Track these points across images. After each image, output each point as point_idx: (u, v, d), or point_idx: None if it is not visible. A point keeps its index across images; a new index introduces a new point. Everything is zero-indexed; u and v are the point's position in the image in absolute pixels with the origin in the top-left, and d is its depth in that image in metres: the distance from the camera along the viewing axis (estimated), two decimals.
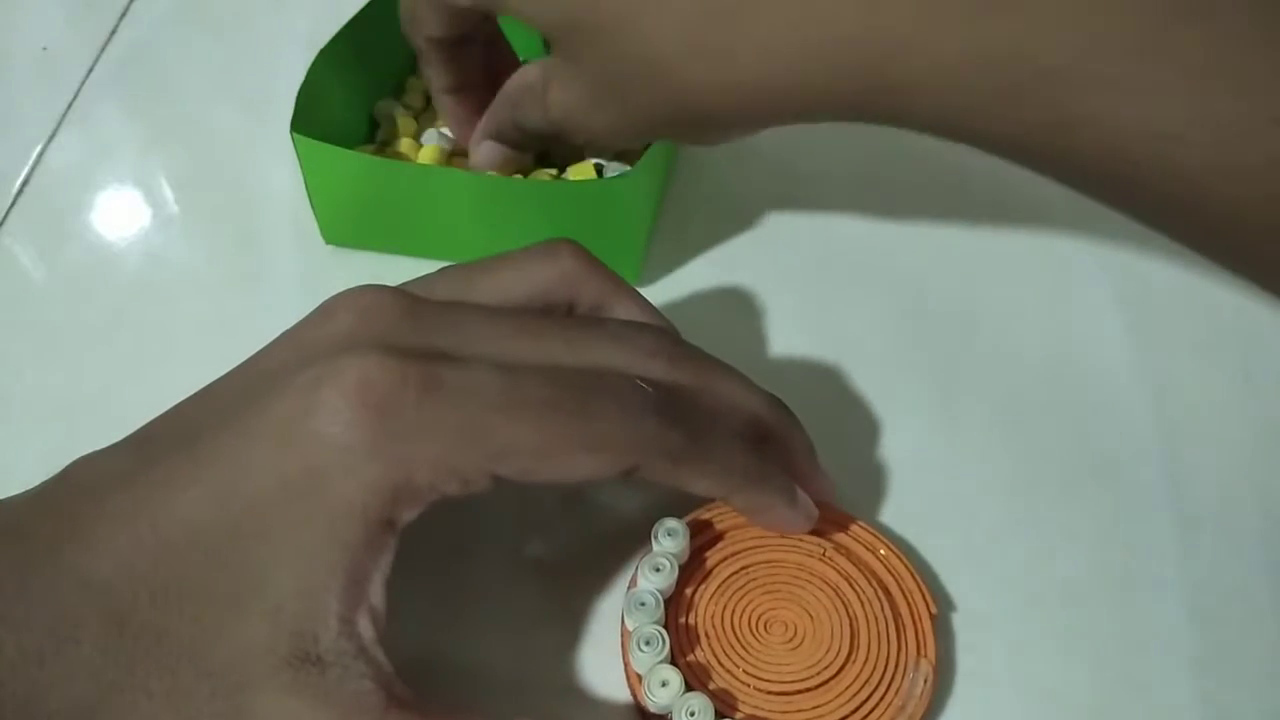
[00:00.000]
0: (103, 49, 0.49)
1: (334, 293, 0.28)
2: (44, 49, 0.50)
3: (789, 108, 0.30)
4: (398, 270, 0.41)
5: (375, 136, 0.44)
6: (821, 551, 0.31)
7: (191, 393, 0.29)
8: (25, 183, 0.44)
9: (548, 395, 0.26)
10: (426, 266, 0.40)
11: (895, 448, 0.36)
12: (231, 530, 0.24)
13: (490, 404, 0.25)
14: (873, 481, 0.35)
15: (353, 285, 0.36)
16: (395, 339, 0.26)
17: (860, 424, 0.37)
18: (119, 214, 0.44)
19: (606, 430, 0.26)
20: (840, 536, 0.32)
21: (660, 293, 0.40)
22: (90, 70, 0.48)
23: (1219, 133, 0.25)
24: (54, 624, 0.24)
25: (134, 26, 0.51)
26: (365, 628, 0.24)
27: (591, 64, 0.32)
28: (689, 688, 0.28)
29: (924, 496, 0.35)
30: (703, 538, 0.31)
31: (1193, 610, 0.32)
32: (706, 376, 0.29)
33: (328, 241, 0.42)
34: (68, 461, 0.27)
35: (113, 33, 0.50)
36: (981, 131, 0.28)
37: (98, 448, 0.28)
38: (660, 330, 0.30)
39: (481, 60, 0.40)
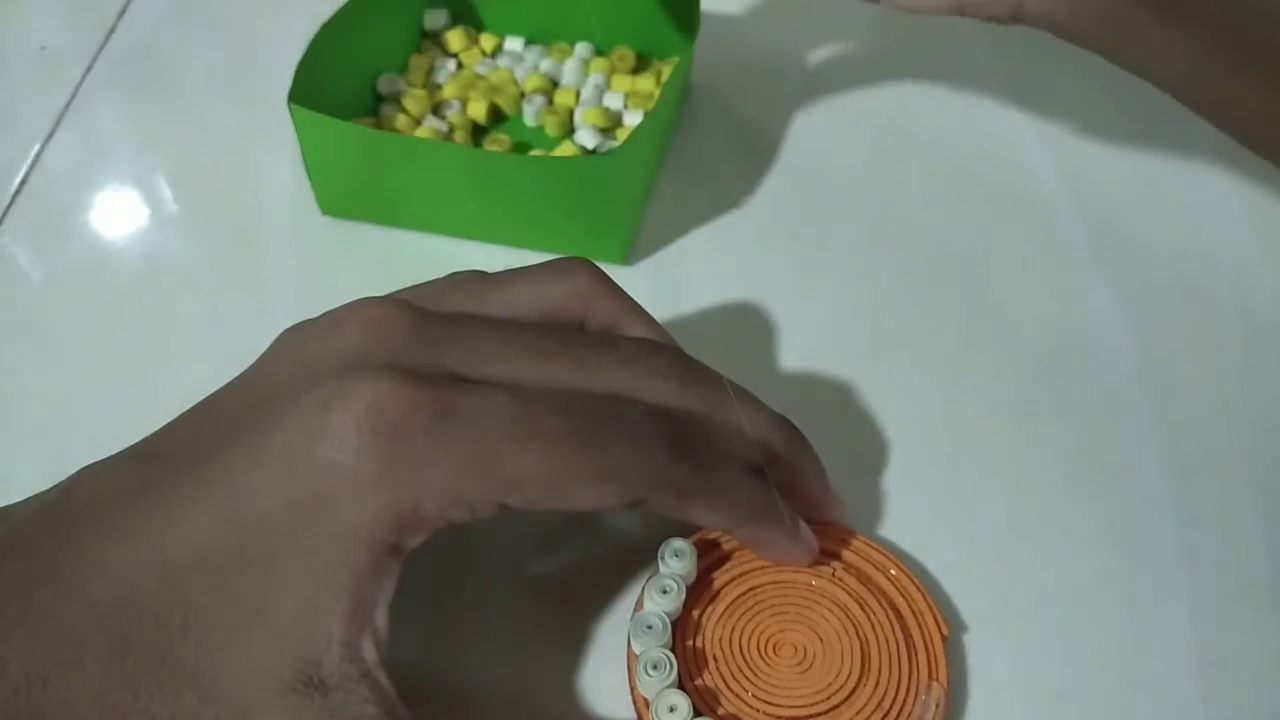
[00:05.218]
0: (101, 48, 0.49)
1: (334, 285, 0.28)
2: (42, 48, 0.49)
3: None
4: (394, 244, 0.41)
5: (379, 110, 0.45)
6: (831, 572, 0.31)
7: (192, 394, 0.28)
8: (23, 182, 0.44)
9: (559, 425, 0.25)
10: (422, 239, 0.41)
11: (899, 459, 0.36)
12: (236, 554, 0.24)
13: (501, 433, 0.25)
14: (880, 497, 0.35)
15: (352, 271, 0.36)
16: (405, 359, 0.26)
17: (861, 431, 0.36)
18: (117, 213, 0.43)
19: (616, 463, 0.26)
20: (849, 556, 0.32)
21: (648, 273, 0.40)
22: (89, 69, 0.48)
23: None
24: (58, 646, 0.23)
25: (133, 26, 0.50)
26: (369, 652, 0.24)
27: None
28: (697, 713, 0.28)
29: (931, 511, 0.34)
30: (709, 558, 0.31)
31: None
32: (716, 399, 0.29)
33: (324, 212, 0.42)
34: (66, 461, 0.27)
35: (111, 32, 0.50)
36: None
37: (96, 448, 0.27)
38: (671, 351, 0.30)
39: None
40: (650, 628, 0.29)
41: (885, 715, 0.29)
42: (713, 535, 0.31)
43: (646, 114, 0.39)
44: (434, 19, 0.47)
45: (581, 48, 0.47)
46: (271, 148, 0.43)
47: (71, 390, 0.37)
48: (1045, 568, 0.33)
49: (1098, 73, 0.48)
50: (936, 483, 0.35)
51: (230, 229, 0.42)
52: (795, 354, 0.38)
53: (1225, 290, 0.40)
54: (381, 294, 0.29)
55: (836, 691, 0.29)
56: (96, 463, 0.27)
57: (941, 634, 0.30)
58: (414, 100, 0.44)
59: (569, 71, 0.46)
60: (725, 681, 0.29)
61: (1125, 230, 0.42)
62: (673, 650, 0.29)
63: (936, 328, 0.39)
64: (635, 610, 0.30)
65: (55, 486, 0.27)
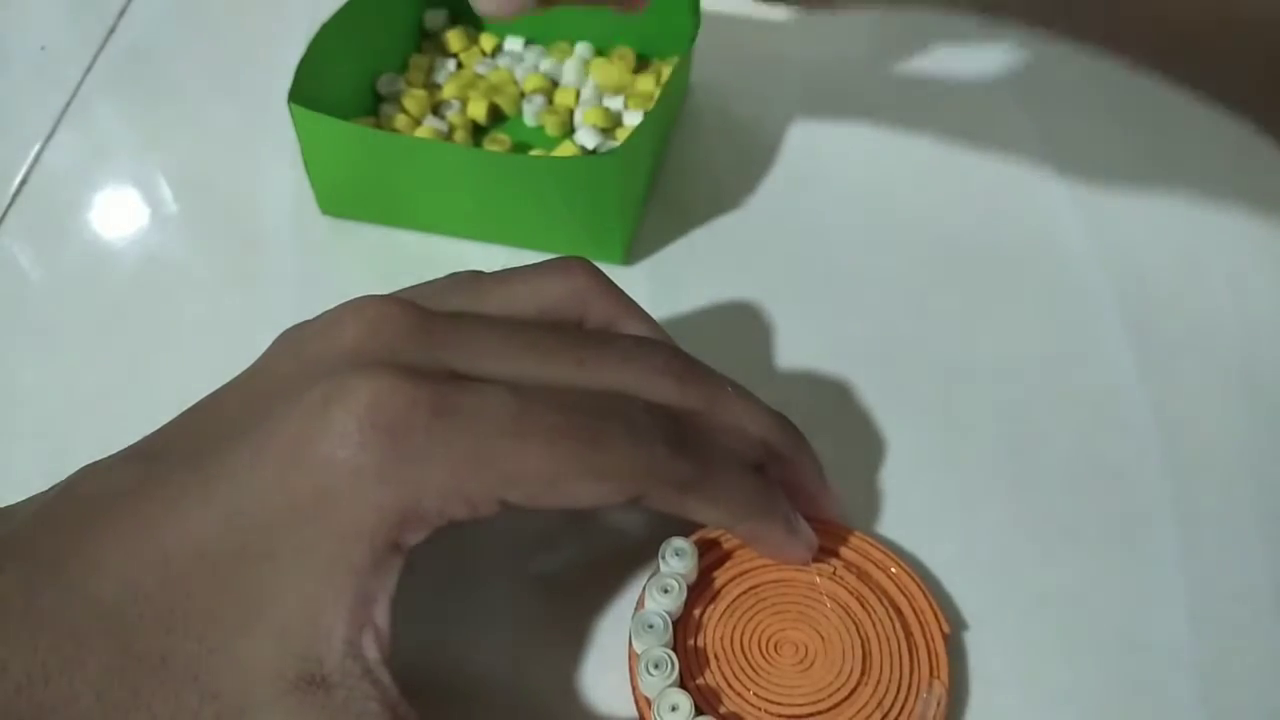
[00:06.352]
0: (101, 48, 0.49)
1: (334, 285, 0.28)
2: (42, 48, 0.49)
3: None
4: (394, 244, 0.41)
5: (379, 110, 0.45)
6: (831, 570, 0.31)
7: (192, 394, 0.28)
8: (23, 182, 0.44)
9: (558, 422, 0.25)
10: (422, 239, 0.41)
11: (898, 458, 0.35)
12: (238, 552, 0.24)
13: (501, 429, 0.25)
14: (880, 495, 0.35)
15: (352, 271, 0.35)
16: (405, 356, 0.26)
17: (861, 430, 0.36)
18: (117, 213, 0.43)
19: (616, 459, 0.26)
20: (850, 554, 0.32)
21: (648, 273, 0.40)
22: (89, 69, 0.48)
23: None
24: (59, 644, 0.23)
25: (133, 26, 0.50)
26: (371, 649, 0.24)
27: None
28: (699, 712, 0.28)
29: (931, 510, 0.34)
30: (710, 557, 0.31)
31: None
32: (715, 397, 0.29)
33: (324, 212, 0.42)
34: (66, 461, 0.27)
35: (111, 32, 0.50)
36: None
37: (96, 448, 0.27)
38: (670, 349, 0.30)
39: None
40: (651, 627, 0.29)
41: (886, 713, 0.29)
42: (713, 534, 0.31)
43: (646, 114, 0.39)
44: (434, 19, 0.47)
45: (581, 48, 0.47)
46: (271, 148, 0.44)
47: (71, 390, 0.37)
48: (1045, 567, 0.33)
49: (1098, 71, 0.48)
50: (936, 481, 0.35)
51: (230, 229, 0.42)
52: (795, 354, 0.38)
53: (1224, 290, 0.40)
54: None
55: (838, 690, 0.29)
56: (96, 462, 0.27)
57: (943, 632, 0.30)
58: (414, 100, 0.44)
59: (569, 71, 0.46)
60: (727, 680, 0.29)
61: (1124, 230, 0.42)
62: (674, 649, 0.29)
63: (936, 327, 0.39)
64: (636, 609, 0.30)
65: (55, 486, 0.27)
